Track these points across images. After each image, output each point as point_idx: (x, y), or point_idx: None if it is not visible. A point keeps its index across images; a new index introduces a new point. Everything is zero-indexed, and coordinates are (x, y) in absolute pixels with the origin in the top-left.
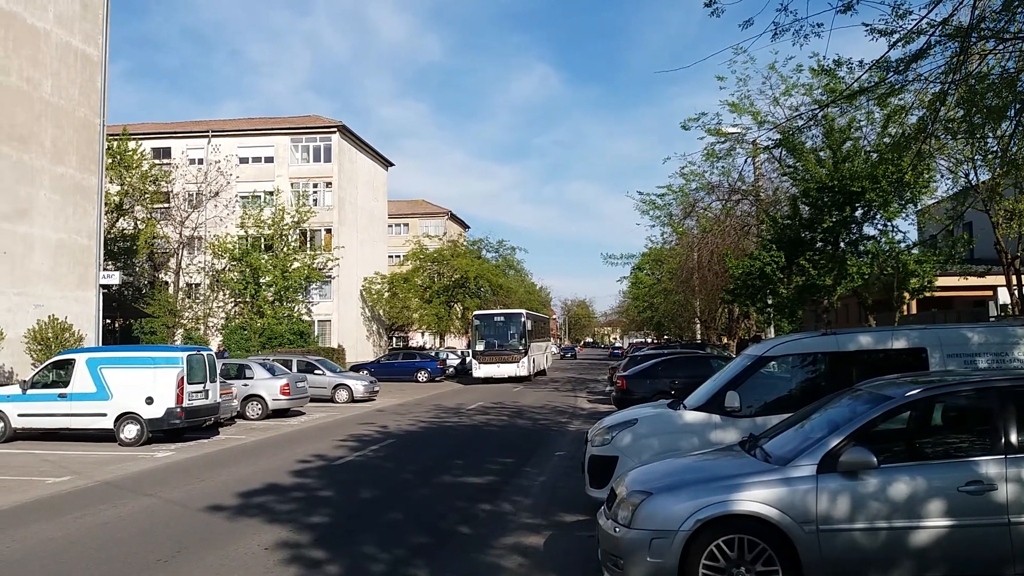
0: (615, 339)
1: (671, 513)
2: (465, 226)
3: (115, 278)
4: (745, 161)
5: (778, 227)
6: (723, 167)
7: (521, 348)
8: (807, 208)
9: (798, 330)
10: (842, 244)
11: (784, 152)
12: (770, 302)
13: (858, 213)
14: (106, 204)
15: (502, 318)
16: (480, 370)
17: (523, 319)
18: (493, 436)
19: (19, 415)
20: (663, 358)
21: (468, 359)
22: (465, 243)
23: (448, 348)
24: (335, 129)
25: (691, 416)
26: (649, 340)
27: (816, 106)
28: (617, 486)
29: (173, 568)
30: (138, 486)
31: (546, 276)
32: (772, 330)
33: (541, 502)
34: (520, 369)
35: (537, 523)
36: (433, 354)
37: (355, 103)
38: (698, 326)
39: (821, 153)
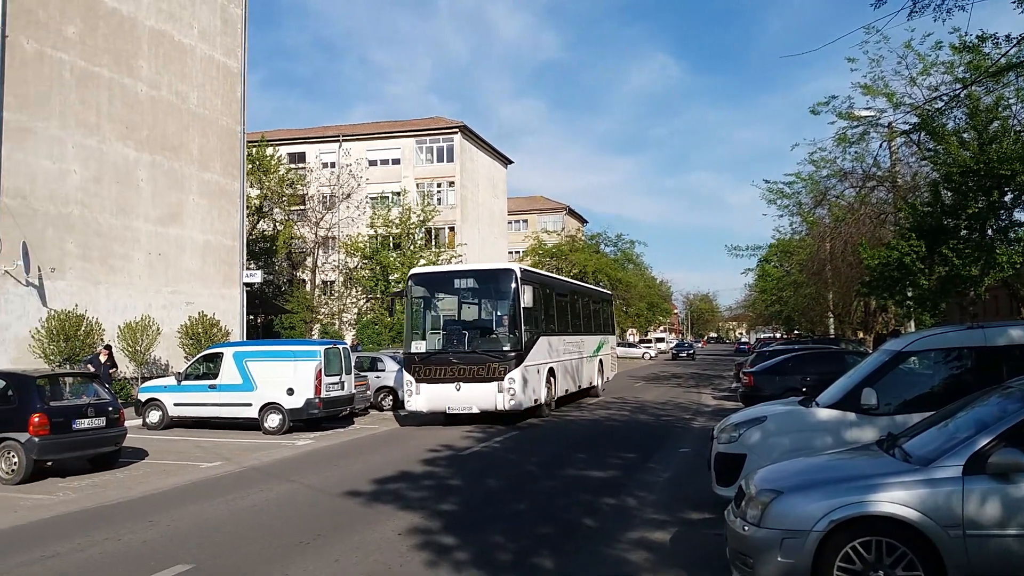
0: (740, 334)
1: (803, 513)
2: (583, 221)
3: (257, 276)
4: (880, 146)
5: (918, 215)
6: (856, 152)
7: (509, 349)
8: (949, 194)
9: (941, 324)
10: (989, 231)
11: (923, 135)
12: (909, 294)
13: (1008, 198)
14: (247, 207)
15: (470, 281)
16: (417, 397)
17: (514, 283)
18: (615, 431)
19: (174, 404)
20: (793, 354)
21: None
22: (583, 238)
23: None
24: (456, 130)
25: (825, 414)
26: (777, 335)
27: (958, 85)
28: (746, 484)
29: (314, 550)
30: (281, 472)
31: (667, 270)
32: (912, 324)
33: (666, 498)
34: (507, 395)
35: (662, 519)
36: None
37: (475, 103)
38: (831, 320)
39: (964, 135)
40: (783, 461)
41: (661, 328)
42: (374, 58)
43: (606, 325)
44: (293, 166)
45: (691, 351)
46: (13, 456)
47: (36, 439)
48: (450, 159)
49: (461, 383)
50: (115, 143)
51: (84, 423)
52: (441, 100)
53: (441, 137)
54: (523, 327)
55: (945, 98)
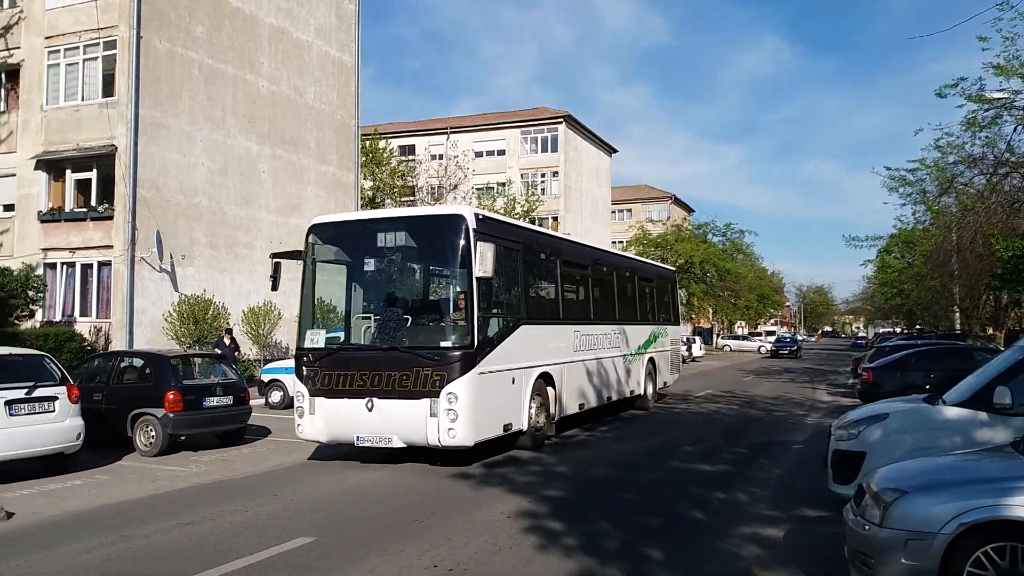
0: (857, 328)
1: (930, 514)
2: (689, 210)
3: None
4: (1015, 129)
5: None
6: (987, 137)
7: (452, 345)
8: None
9: None
10: None
11: None
12: None
13: None
14: (361, 198)
15: (400, 235)
16: (311, 419)
17: (464, 237)
18: (724, 425)
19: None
20: (916, 349)
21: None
22: (690, 227)
23: None
24: (561, 120)
25: (953, 412)
26: (897, 330)
27: None
28: (866, 483)
29: (428, 528)
30: (393, 452)
31: (778, 261)
32: None
33: (779, 495)
34: (445, 419)
35: (775, 515)
36: None
37: (580, 92)
38: (956, 315)
39: None
40: (905, 460)
41: (772, 321)
42: (480, 50)
43: (664, 312)
44: (404, 158)
45: (795, 347)
46: (151, 430)
47: (171, 415)
48: (554, 149)
49: (374, 398)
50: (239, 137)
51: (213, 401)
52: (545, 90)
53: (545, 127)
54: (478, 308)
55: None
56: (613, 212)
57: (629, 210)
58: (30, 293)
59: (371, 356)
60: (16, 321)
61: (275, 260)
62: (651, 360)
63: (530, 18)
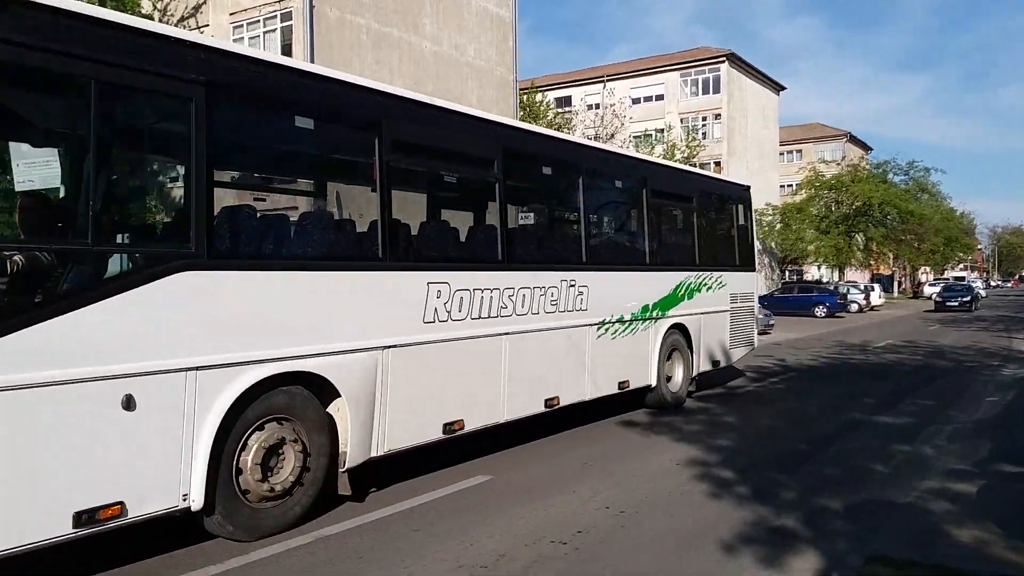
0: None
1: None
2: (866, 148)
3: (530, 219)
4: None
5: None
6: None
7: None
8: None
9: None
10: None
11: None
12: None
13: None
14: None
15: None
16: None
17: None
18: (907, 376)
19: None
20: None
21: None
22: (867, 166)
23: (848, 282)
24: (723, 58)
25: None
26: None
27: None
28: None
29: (598, 471)
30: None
31: (968, 200)
32: None
33: (970, 449)
34: None
35: (966, 470)
36: (832, 288)
37: (743, 29)
38: None
39: None
40: None
41: (961, 266)
42: None
43: (717, 250)
44: (560, 110)
45: (968, 298)
46: None
47: None
48: (716, 90)
49: None
50: None
51: None
52: (706, 29)
53: (707, 68)
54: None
55: None
56: (781, 154)
57: (799, 151)
58: None
59: None
60: None
61: None
62: (678, 328)
63: None
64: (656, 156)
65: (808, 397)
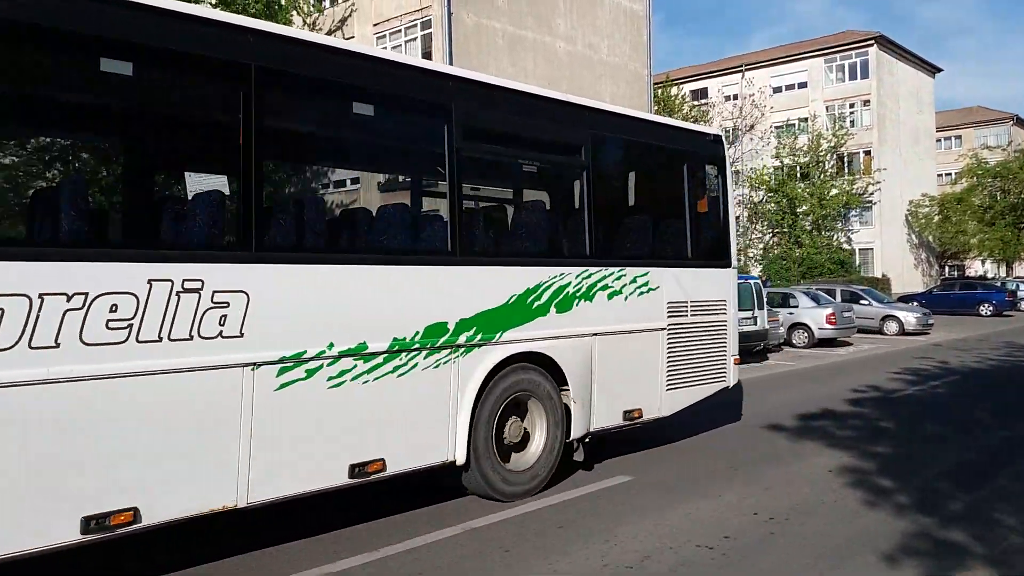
0: None
1: None
2: None
3: None
4: None
5: None
6: None
7: None
8: None
9: None
10: None
11: None
12: None
13: None
14: None
15: None
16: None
17: None
18: None
19: None
20: None
21: None
22: None
23: (1017, 278)
24: (871, 41)
25: None
26: None
27: None
28: None
29: (743, 476)
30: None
31: None
32: None
33: None
34: None
35: None
36: (998, 285)
37: (891, 9)
38: None
39: None
40: None
41: None
42: None
43: (654, 235)
44: (696, 103)
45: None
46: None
47: None
48: (864, 75)
49: None
50: None
51: None
52: (851, 11)
53: (853, 52)
54: None
55: None
56: (938, 141)
57: (958, 137)
58: None
59: None
60: None
61: None
62: (529, 360)
63: None
64: (800, 146)
65: (976, 402)
